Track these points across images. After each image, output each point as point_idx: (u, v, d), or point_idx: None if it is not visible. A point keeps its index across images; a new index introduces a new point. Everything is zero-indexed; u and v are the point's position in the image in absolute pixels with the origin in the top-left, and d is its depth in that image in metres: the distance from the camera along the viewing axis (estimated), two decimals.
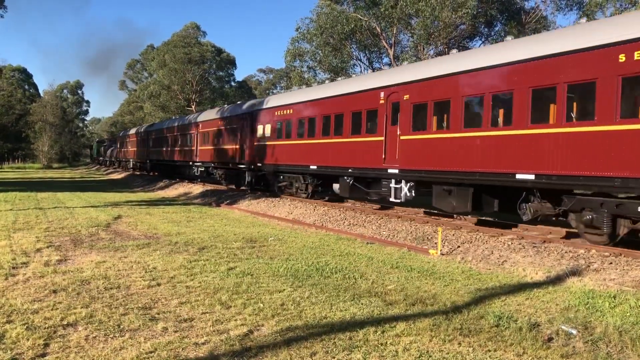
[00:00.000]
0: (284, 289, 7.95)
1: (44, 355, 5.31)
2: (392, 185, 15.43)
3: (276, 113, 22.40)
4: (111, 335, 5.83)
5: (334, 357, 5.37)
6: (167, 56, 64.03)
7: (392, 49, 35.76)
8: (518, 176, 11.38)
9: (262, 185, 25.05)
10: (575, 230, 11.54)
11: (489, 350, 5.65)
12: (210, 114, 31.81)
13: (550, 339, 6.05)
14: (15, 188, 30.37)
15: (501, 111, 12.01)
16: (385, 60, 38.12)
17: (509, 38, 13.25)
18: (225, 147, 27.75)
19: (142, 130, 50.15)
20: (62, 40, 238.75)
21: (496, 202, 13.04)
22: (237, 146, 25.97)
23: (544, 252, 10.51)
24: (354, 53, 39.18)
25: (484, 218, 15.20)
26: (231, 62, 74.13)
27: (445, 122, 13.59)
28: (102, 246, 11.46)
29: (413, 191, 15.00)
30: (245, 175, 25.78)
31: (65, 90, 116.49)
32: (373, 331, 6.09)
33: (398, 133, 14.99)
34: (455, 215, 15.44)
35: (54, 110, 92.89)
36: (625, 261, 9.50)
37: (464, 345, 5.76)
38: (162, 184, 35.93)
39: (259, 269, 9.35)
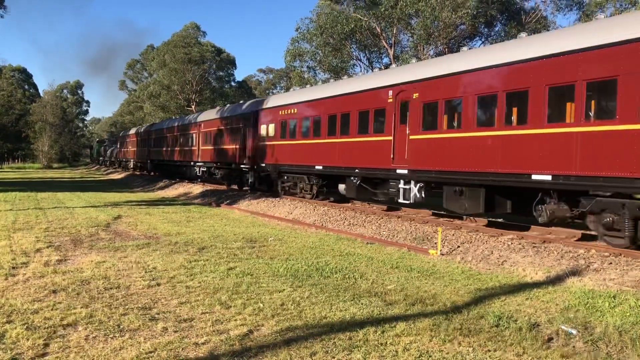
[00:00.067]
0: (284, 289, 7.96)
1: (44, 355, 5.32)
2: (401, 186, 15.14)
3: (280, 112, 22.10)
4: (111, 335, 5.83)
5: (333, 357, 5.37)
6: (167, 56, 64.03)
7: (392, 49, 35.79)
8: (534, 177, 11.06)
9: (264, 185, 24.80)
10: (592, 233, 11.22)
11: (489, 350, 5.65)
12: (212, 114, 31.68)
13: (550, 339, 6.05)
14: (15, 188, 30.36)
15: (515, 110, 11.66)
16: (385, 60, 38.15)
17: (522, 35, 12.93)
18: (227, 147, 27.56)
19: (142, 130, 50.15)
20: (62, 40, 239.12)
21: (509, 204, 12.70)
22: (239, 146, 25.77)
23: (544, 252, 10.50)
24: (354, 53, 39.26)
25: (496, 220, 14.72)
26: (231, 62, 74.14)
27: (456, 121, 13.28)
28: (102, 246, 11.47)
29: (423, 192, 14.66)
30: (248, 176, 25.66)
31: (65, 90, 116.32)
32: (373, 331, 6.09)
33: (407, 132, 14.70)
34: (464, 217, 15.05)
35: (54, 110, 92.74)
36: (625, 261, 9.49)
37: (464, 345, 5.76)
38: (162, 184, 35.93)
39: (258, 269, 9.35)
